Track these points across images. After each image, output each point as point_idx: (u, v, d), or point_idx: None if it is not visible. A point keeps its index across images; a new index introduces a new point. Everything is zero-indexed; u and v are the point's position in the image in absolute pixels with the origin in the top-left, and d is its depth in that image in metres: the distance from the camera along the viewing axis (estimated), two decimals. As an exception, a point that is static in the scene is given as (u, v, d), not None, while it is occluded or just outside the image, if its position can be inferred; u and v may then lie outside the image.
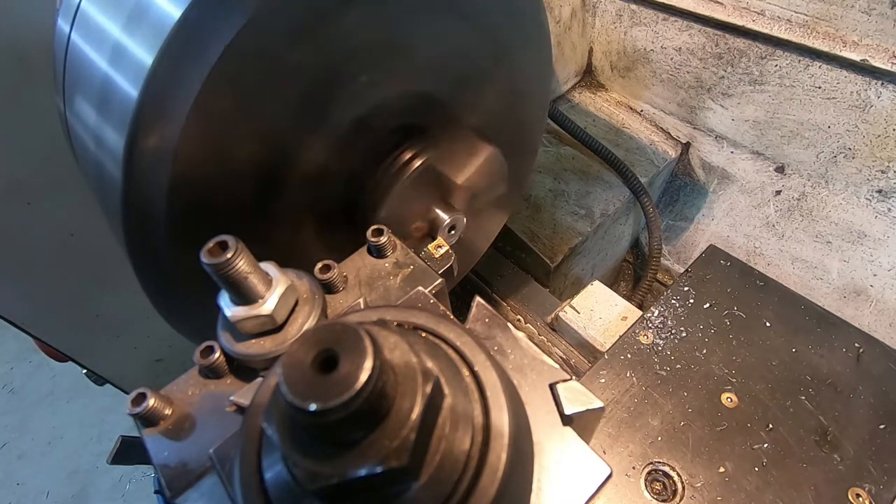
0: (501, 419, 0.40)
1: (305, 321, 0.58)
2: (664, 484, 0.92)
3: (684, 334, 1.12)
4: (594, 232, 1.85)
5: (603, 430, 0.97)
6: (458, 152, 0.98)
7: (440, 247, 0.77)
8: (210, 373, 0.59)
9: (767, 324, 1.13)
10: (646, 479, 0.92)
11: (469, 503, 0.36)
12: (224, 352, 0.58)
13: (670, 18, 1.86)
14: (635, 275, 2.40)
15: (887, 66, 1.42)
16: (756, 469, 0.92)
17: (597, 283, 1.47)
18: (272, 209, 0.86)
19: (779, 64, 1.65)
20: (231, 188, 0.79)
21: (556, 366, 0.54)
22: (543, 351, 0.55)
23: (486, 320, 0.58)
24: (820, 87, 1.60)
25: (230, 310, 0.55)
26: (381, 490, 0.34)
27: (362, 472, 0.32)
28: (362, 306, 0.60)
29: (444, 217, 0.99)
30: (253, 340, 0.57)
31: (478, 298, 0.60)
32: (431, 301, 0.62)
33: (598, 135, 2.05)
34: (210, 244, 0.50)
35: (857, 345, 1.08)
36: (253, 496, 0.38)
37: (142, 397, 0.55)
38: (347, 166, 0.91)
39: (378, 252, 0.71)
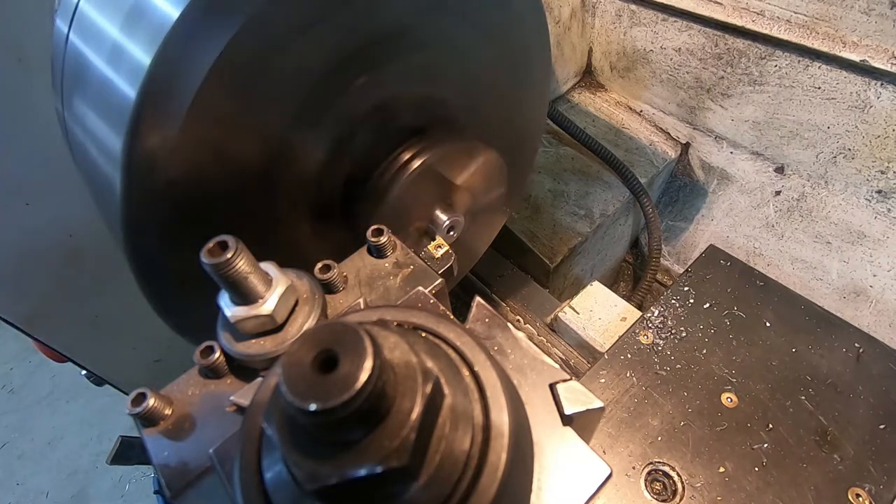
0: (501, 419, 0.39)
1: (305, 321, 0.58)
2: (664, 484, 0.92)
3: (684, 334, 1.12)
4: (594, 232, 1.85)
5: (603, 430, 0.97)
6: (457, 153, 0.98)
7: (440, 247, 0.77)
8: (210, 373, 0.59)
9: (767, 324, 1.13)
10: (646, 479, 0.92)
11: (469, 503, 0.36)
12: (224, 352, 0.58)
13: (670, 19, 1.86)
14: (635, 275, 2.40)
15: (887, 67, 1.42)
16: (756, 469, 0.92)
17: (596, 283, 1.47)
18: (272, 208, 0.86)
19: (778, 64, 1.65)
20: (230, 188, 0.79)
21: (556, 366, 0.53)
22: (543, 351, 0.55)
23: (486, 320, 0.58)
24: (819, 88, 1.60)
25: (230, 310, 0.55)
26: (381, 490, 0.34)
27: (362, 472, 0.32)
28: (362, 306, 0.59)
29: (443, 218, 0.99)
30: (253, 340, 0.57)
31: (478, 298, 0.60)
32: (431, 301, 0.62)
33: (597, 135, 2.05)
34: (210, 244, 0.50)
35: (857, 345, 1.08)
36: (253, 496, 0.38)
37: (142, 397, 0.55)
38: (348, 165, 0.91)
39: (378, 252, 0.71)
